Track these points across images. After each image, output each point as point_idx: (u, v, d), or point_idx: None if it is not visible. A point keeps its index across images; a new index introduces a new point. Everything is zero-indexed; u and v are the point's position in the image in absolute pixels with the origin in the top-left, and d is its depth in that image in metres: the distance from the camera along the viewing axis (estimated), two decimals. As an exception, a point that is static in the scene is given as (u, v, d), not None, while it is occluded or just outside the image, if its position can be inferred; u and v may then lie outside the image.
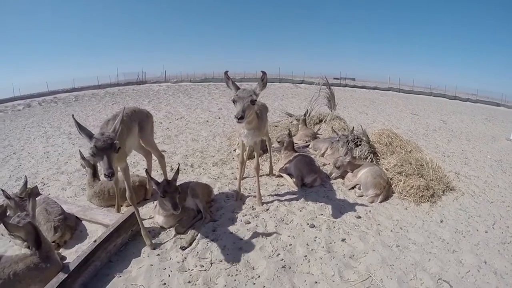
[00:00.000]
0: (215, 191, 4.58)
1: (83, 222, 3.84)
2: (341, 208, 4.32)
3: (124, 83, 27.30)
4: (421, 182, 4.83)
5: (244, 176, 4.99)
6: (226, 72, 3.47)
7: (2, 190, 3.54)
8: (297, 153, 5.31)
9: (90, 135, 2.61)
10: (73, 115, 2.77)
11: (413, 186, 4.80)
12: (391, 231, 3.86)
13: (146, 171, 3.65)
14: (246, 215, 3.99)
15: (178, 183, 3.63)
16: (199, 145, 7.19)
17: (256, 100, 3.26)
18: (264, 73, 3.29)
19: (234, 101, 3.19)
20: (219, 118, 10.72)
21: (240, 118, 3.01)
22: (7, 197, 3.51)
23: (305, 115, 7.78)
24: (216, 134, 8.25)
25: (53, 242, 3.31)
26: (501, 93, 27.89)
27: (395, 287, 2.89)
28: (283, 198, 4.51)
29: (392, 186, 4.89)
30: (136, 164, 5.89)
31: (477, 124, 13.77)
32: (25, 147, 7.88)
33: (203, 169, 5.58)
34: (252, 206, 4.22)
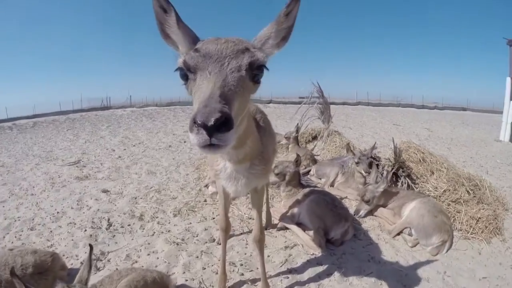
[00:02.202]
0: (178, 275, 2.60)
1: None
2: (404, 278, 2.61)
3: (88, 108, 25.95)
4: (489, 211, 3.49)
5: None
6: None
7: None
8: (307, 189, 3.55)
9: None
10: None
11: (479, 218, 3.39)
12: None
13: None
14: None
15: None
16: (156, 180, 5.18)
17: (260, 75, 1.28)
18: None
19: (188, 68, 1.20)
20: (185, 142, 8.83)
21: (220, 125, 0.94)
22: None
23: (297, 131, 5.96)
24: (180, 163, 6.27)
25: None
26: (466, 99, 29.62)
27: None
28: (306, 278, 2.62)
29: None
30: (62, 213, 3.68)
31: (459, 129, 13.54)
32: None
33: (158, 223, 3.56)
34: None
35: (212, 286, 2.48)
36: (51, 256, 2.41)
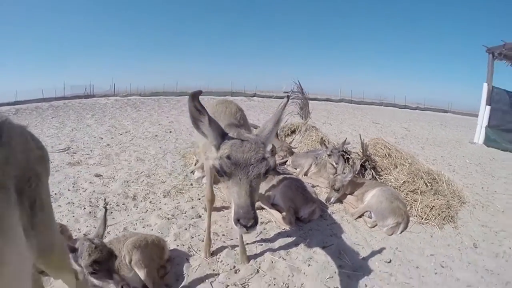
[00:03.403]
0: (171, 242, 3.03)
1: None
2: (360, 250, 3.12)
3: (71, 96, 25.46)
4: (442, 201, 4.00)
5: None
6: (195, 95, 1.64)
7: None
8: (281, 175, 4.02)
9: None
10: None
11: (433, 206, 3.91)
12: (435, 273, 2.92)
13: None
14: (228, 285, 2.50)
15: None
16: (146, 166, 5.52)
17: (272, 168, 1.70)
18: (288, 97, 2.07)
19: (224, 172, 1.59)
20: (170, 132, 9.12)
21: (252, 226, 1.49)
22: None
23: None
24: (167, 151, 6.61)
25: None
26: (447, 101, 30.55)
27: None
28: (276, 246, 3.11)
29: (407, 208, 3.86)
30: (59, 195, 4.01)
31: (437, 130, 14.10)
32: None
33: (150, 202, 3.97)
34: (234, 267, 2.73)
35: (199, 250, 2.93)
36: (60, 227, 2.77)
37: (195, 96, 1.62)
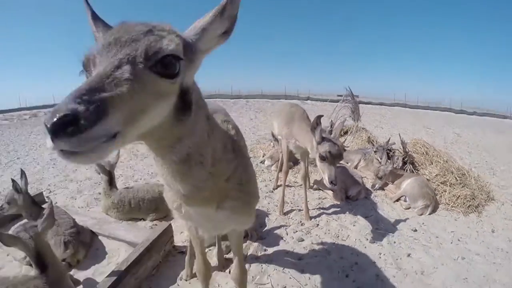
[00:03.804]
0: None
1: (99, 237, 3.41)
2: (393, 221, 4.18)
3: None
4: (467, 192, 4.79)
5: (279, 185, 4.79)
6: None
7: (13, 181, 3.03)
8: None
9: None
10: None
11: (459, 196, 4.74)
12: (451, 243, 3.78)
13: None
14: (296, 231, 3.77)
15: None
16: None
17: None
18: None
19: (325, 159, 3.17)
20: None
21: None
22: (17, 190, 2.99)
23: (331, 126, 7.58)
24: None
25: (63, 260, 2.79)
26: (506, 106, 28.48)
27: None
28: (330, 212, 4.33)
29: (437, 196, 4.79)
30: (155, 174, 5.67)
31: (490, 136, 13.89)
32: (30, 153, 7.89)
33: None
34: (300, 221, 4.00)
35: (275, 211, 4.26)
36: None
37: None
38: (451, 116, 23.36)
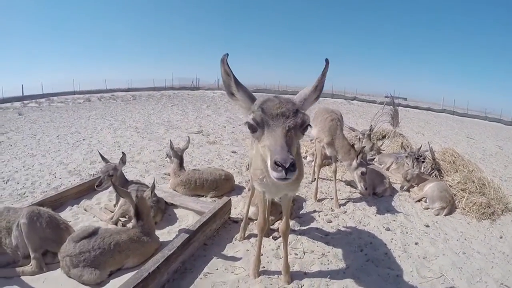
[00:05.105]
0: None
1: (170, 207, 4.47)
2: (411, 217, 5.07)
3: (179, 87, 29.31)
4: (483, 200, 5.42)
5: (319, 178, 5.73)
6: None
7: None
8: (369, 166, 6.06)
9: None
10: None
11: (475, 203, 5.39)
12: (457, 240, 4.51)
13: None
14: (327, 215, 4.83)
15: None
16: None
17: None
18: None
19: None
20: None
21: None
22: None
23: (370, 130, 8.39)
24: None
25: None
26: None
27: (465, 287, 3.54)
28: (358, 204, 5.33)
29: (456, 202, 5.52)
30: (210, 161, 6.92)
31: None
32: (94, 136, 8.85)
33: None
34: (331, 208, 5.05)
35: (311, 198, 5.34)
36: (226, 174, 5.20)
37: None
38: (500, 127, 22.50)
